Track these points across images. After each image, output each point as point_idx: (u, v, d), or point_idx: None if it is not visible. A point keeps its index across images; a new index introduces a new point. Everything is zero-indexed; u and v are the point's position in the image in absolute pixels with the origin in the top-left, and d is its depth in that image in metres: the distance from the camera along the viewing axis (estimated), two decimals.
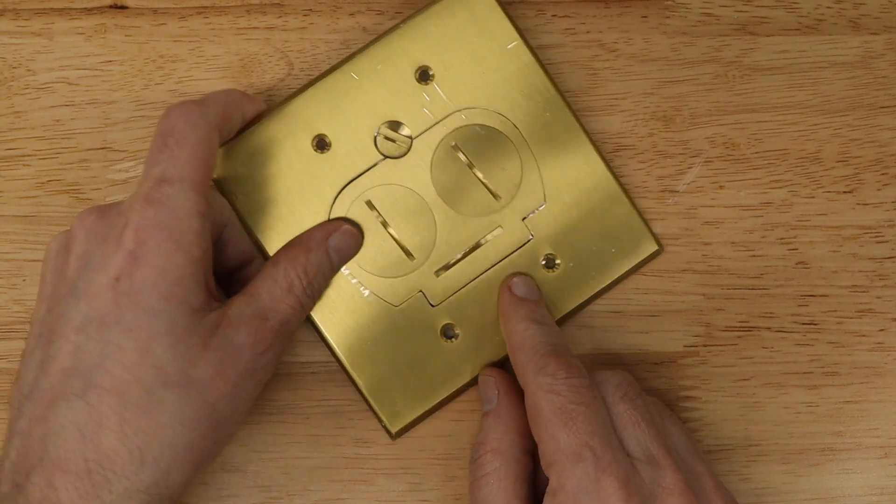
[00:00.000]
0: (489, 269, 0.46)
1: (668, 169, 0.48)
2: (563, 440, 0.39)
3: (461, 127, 0.46)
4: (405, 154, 0.46)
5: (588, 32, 0.49)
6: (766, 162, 0.48)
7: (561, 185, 0.46)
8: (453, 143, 0.46)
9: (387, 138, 0.46)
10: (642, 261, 0.47)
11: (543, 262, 0.46)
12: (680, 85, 0.48)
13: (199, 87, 0.48)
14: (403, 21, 0.46)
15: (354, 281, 0.46)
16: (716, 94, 0.48)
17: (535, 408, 0.41)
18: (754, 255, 0.48)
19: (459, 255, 0.46)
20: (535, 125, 0.46)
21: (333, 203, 0.46)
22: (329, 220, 0.46)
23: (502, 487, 0.42)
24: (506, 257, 0.46)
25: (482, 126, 0.46)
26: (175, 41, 0.48)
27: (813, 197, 0.48)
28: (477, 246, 0.46)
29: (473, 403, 0.47)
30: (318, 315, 0.46)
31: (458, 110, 0.46)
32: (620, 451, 0.40)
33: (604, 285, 0.47)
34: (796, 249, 0.48)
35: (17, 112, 0.48)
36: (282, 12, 0.48)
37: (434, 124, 0.46)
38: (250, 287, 0.42)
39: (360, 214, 0.46)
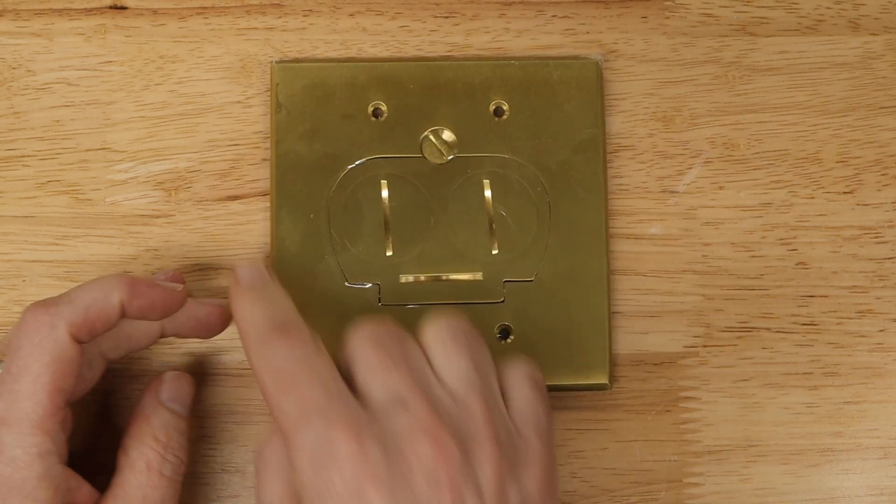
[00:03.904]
0: (449, 303, 0.46)
1: (668, 169, 0.48)
2: (287, 407, 0.37)
3: (504, 172, 0.47)
4: (442, 164, 0.47)
5: (588, 33, 0.49)
6: (765, 162, 0.48)
7: (556, 277, 0.46)
8: (488, 179, 0.46)
9: (433, 141, 0.47)
10: (584, 385, 0.46)
11: (499, 329, 0.46)
12: (680, 85, 0.48)
13: (199, 88, 0.48)
14: (516, 59, 0.47)
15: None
16: (716, 94, 0.48)
17: (261, 385, 0.38)
18: (754, 256, 0.48)
19: (431, 276, 0.46)
20: (568, 213, 0.47)
21: (357, 164, 0.46)
22: (152, 380, 0.44)
23: None
24: (469, 303, 0.46)
25: (521, 183, 0.46)
26: (175, 42, 0.48)
27: (813, 197, 0.48)
28: (450, 278, 0.46)
29: None
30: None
31: (511, 156, 0.47)
32: (353, 403, 0.37)
33: None
34: (796, 250, 0.48)
35: (17, 112, 0.48)
36: (281, 13, 0.48)
37: (483, 155, 0.47)
38: (114, 488, 0.41)
39: (369, 188, 0.46)
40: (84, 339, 0.39)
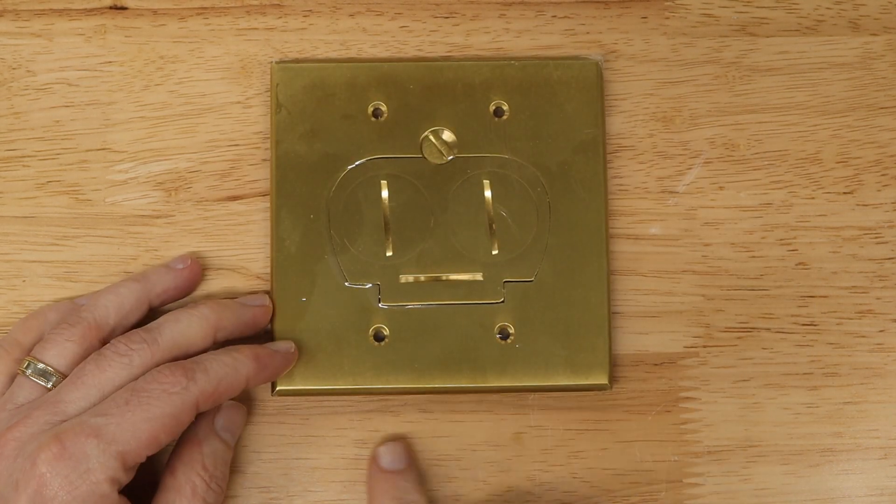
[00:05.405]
0: (449, 303, 0.46)
1: (668, 170, 0.48)
2: None
3: (504, 172, 0.47)
4: (442, 164, 0.47)
5: (588, 33, 0.49)
6: (765, 163, 0.48)
7: (556, 277, 0.46)
8: (488, 179, 0.46)
9: (433, 142, 0.47)
10: (584, 385, 0.46)
11: (498, 329, 0.46)
12: (680, 86, 0.48)
13: (199, 88, 0.48)
14: (516, 60, 0.47)
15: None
16: (716, 94, 0.48)
17: None
18: (754, 256, 0.48)
19: (431, 276, 0.46)
20: (568, 213, 0.47)
21: (357, 164, 0.46)
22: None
23: None
24: (469, 304, 0.46)
25: (521, 183, 0.46)
26: (175, 42, 0.48)
27: (813, 198, 0.48)
28: (450, 279, 0.46)
29: (475, 405, 0.47)
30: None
31: (511, 157, 0.47)
32: None
33: (535, 384, 0.46)
34: (796, 250, 0.48)
35: (17, 113, 0.48)
36: (281, 13, 0.48)
37: (483, 155, 0.47)
38: None
39: (369, 188, 0.46)
40: (205, 409, 0.41)
